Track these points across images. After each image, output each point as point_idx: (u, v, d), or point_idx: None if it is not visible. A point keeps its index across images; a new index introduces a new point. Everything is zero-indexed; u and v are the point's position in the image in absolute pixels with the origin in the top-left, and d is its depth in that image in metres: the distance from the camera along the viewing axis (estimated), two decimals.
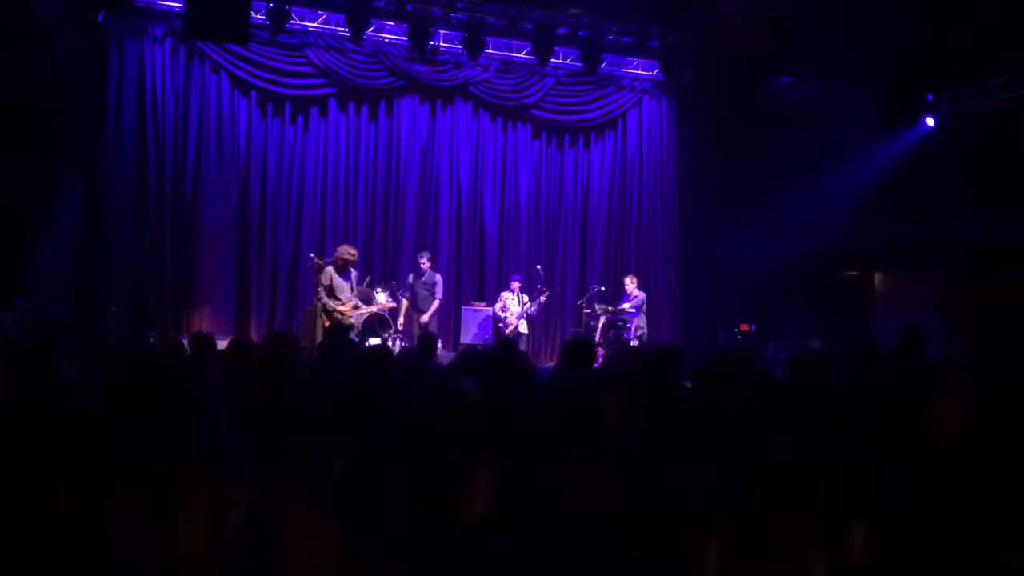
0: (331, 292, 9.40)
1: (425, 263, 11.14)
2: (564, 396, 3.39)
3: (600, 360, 11.27)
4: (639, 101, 13.54)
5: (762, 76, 12.59)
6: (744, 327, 12.30)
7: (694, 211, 13.41)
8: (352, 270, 9.67)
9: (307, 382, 4.13)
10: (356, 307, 9.72)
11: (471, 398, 3.55)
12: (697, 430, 3.59)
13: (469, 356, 5.20)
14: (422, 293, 11.05)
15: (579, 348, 5.31)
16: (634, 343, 10.97)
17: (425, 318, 10.95)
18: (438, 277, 11.25)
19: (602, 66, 12.81)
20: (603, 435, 3.03)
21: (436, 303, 11.14)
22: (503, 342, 6.03)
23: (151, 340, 8.99)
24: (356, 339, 9.87)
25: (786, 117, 12.12)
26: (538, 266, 12.28)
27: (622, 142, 13.55)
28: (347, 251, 9.56)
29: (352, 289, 9.63)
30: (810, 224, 11.91)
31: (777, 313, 12.24)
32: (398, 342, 11.01)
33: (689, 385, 4.65)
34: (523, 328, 11.56)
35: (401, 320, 10.91)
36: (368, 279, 11.17)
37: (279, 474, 2.42)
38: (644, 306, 11.68)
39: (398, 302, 11.03)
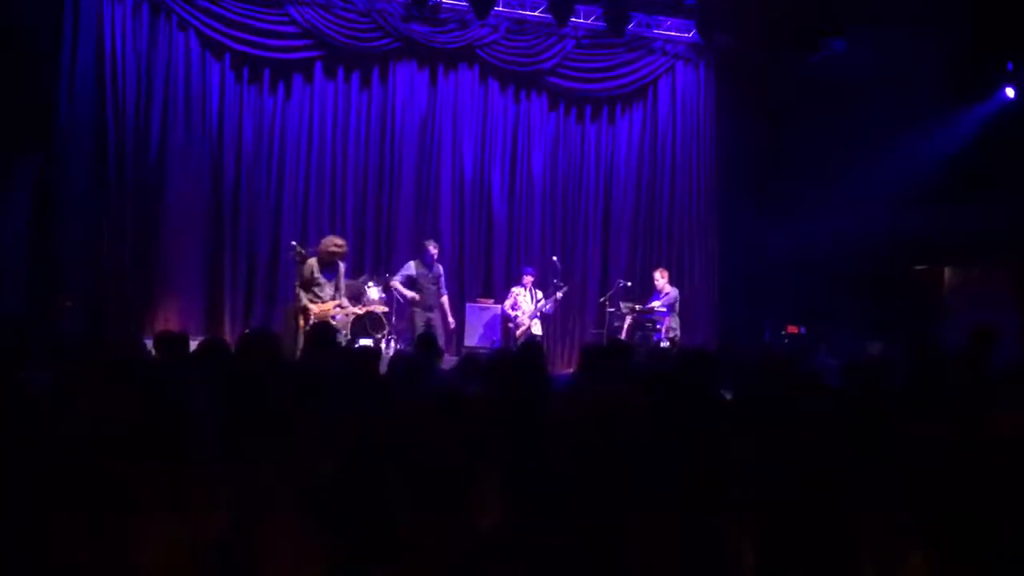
0: (308, 287, 9.42)
1: (433, 250, 11.15)
2: (584, 405, 3.44)
3: None
4: (672, 67, 13.55)
5: (813, 40, 12.56)
6: (792, 329, 12.30)
7: (735, 194, 13.41)
8: (340, 263, 9.70)
9: (289, 382, 4.19)
10: (342, 307, 9.72)
11: (476, 404, 3.61)
12: (735, 445, 3.63)
13: (475, 361, 5.26)
14: (429, 287, 11.06)
15: (608, 354, 5.39)
16: (664, 345, 11.00)
17: (451, 320, 11.20)
18: (442, 269, 11.32)
19: (629, 26, 12.82)
20: (627, 449, 3.08)
21: (446, 299, 11.22)
22: (527, 346, 6.12)
23: (111, 338, 9.06)
24: (344, 341, 9.94)
25: (840, 87, 12.10)
26: (554, 257, 12.32)
27: (652, 114, 13.56)
28: (333, 243, 9.58)
29: (339, 285, 9.65)
30: (869, 210, 11.88)
31: (830, 313, 12.22)
32: (392, 344, 11.09)
33: (728, 395, 4.70)
34: (536, 329, 11.61)
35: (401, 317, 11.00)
36: (363, 277, 11.22)
37: (261, 481, 2.48)
38: (677, 304, 11.71)
39: (396, 304, 11.10)
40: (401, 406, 3.45)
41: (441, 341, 10.83)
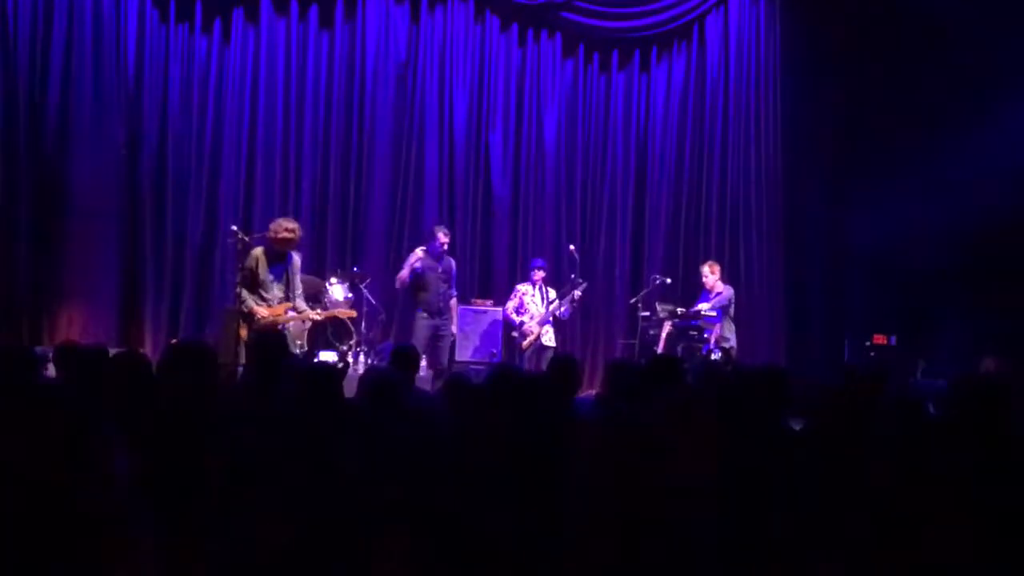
0: (253, 286, 9.40)
1: (444, 239, 11.07)
2: (611, 448, 3.39)
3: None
4: (724, 0, 13.50)
5: None
6: (879, 339, 12.24)
7: (805, 169, 13.36)
8: (293, 255, 9.68)
9: (229, 415, 4.14)
10: (296, 310, 9.68)
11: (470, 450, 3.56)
12: (805, 493, 3.58)
13: (465, 386, 5.21)
14: (439, 286, 11.01)
15: (647, 375, 5.34)
16: (714, 357, 10.95)
17: (453, 330, 11.10)
18: (454, 264, 11.29)
19: None
20: (673, 513, 3.03)
21: (455, 302, 11.26)
22: (557, 364, 6.02)
23: None
24: (300, 354, 9.90)
25: (941, 30, 12.04)
26: (571, 247, 12.27)
27: (698, 61, 13.52)
28: (284, 227, 9.54)
29: (292, 283, 9.63)
30: (978, 187, 11.82)
31: (929, 319, 12.16)
32: (362, 358, 11.04)
33: (798, 426, 4.65)
34: (548, 339, 11.55)
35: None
36: (333, 281, 11.18)
37: (192, 546, 2.44)
38: (731, 307, 11.66)
39: (368, 306, 11.07)
40: (373, 450, 3.40)
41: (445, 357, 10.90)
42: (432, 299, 10.90)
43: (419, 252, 11.02)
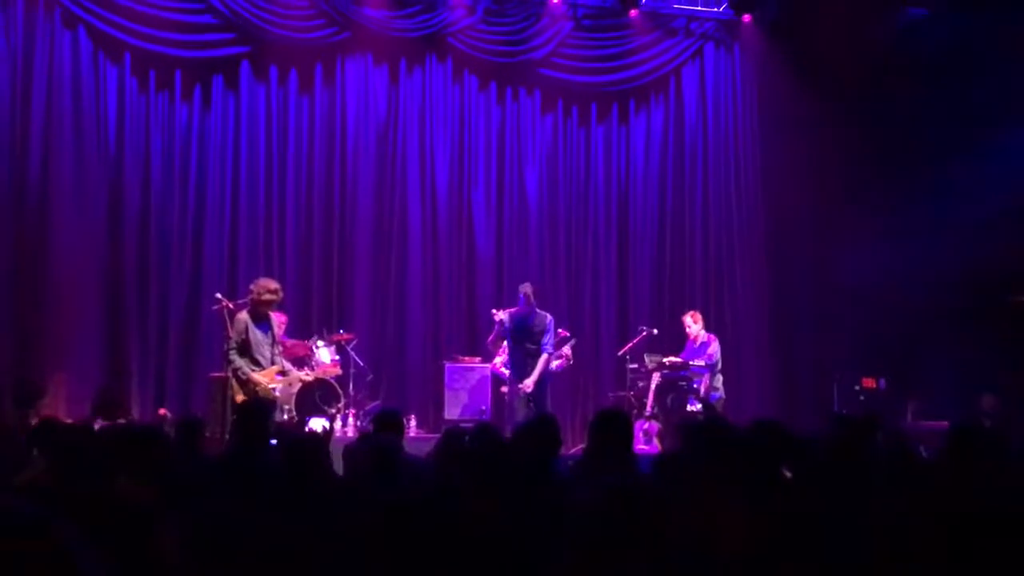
0: (245, 350, 9.36)
1: (528, 291, 10.86)
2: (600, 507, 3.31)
3: (655, 438, 11.23)
4: (699, 51, 13.62)
5: (885, 10, 12.60)
6: (869, 383, 12.20)
7: (788, 211, 13.39)
8: (275, 317, 9.64)
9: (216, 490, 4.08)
10: (283, 373, 9.64)
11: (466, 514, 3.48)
12: (803, 548, 3.52)
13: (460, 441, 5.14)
14: (528, 346, 10.78)
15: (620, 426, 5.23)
16: (691, 408, 10.85)
17: (529, 383, 10.62)
18: (550, 319, 10.97)
19: (642, 1, 12.92)
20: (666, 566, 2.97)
21: (545, 360, 10.79)
22: (540, 422, 5.69)
23: None
24: (290, 419, 9.84)
25: (922, 67, 12.11)
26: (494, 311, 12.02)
27: (676, 112, 13.60)
28: (265, 288, 9.56)
29: (275, 343, 9.59)
30: (967, 224, 11.84)
31: (921, 359, 12.12)
32: (351, 420, 10.96)
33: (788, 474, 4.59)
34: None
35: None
36: (319, 344, 11.12)
37: None
38: (719, 357, 11.58)
39: (355, 367, 10.97)
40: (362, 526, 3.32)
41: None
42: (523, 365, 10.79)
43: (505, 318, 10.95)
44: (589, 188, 13.42)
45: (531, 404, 10.45)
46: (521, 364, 10.72)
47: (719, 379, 11.56)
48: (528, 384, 10.55)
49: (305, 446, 4.30)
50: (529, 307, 10.80)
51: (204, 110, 12.23)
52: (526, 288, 10.90)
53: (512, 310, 10.93)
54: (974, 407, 11.07)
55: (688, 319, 11.83)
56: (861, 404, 11.86)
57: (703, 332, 11.74)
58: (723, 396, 11.47)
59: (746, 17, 13.41)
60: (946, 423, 9.17)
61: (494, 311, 11.10)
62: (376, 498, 4.13)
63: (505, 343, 11.25)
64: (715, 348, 11.59)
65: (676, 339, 12.17)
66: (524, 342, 10.75)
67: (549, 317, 10.88)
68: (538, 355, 10.69)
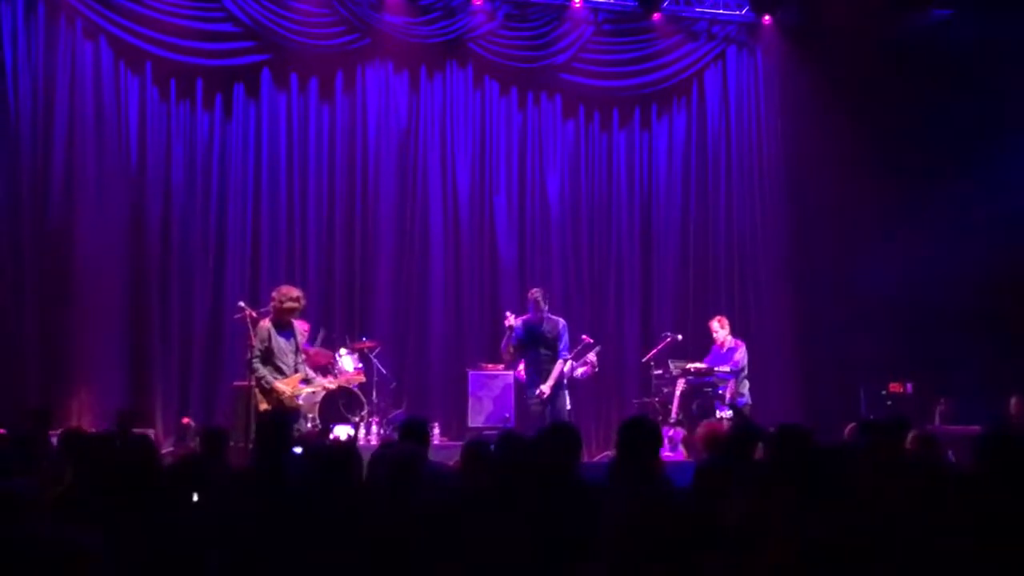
0: (268, 358, 9.34)
1: (537, 296, 10.67)
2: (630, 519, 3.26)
3: (680, 445, 11.15)
4: (722, 54, 13.58)
5: (908, 11, 12.51)
6: (896, 387, 12.10)
7: (813, 215, 13.31)
8: (297, 324, 9.64)
9: (239, 504, 4.05)
10: (307, 381, 9.63)
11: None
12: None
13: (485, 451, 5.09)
14: (542, 352, 10.68)
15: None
16: (721, 414, 10.75)
17: (545, 388, 10.48)
18: (562, 323, 10.87)
19: (664, 4, 12.85)
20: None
21: (562, 365, 10.64)
22: (555, 430, 5.47)
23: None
24: (314, 428, 9.83)
25: (947, 68, 12.01)
26: (583, 336, 11.90)
27: (699, 116, 13.56)
28: (287, 295, 9.53)
29: (298, 351, 9.57)
30: (993, 225, 11.74)
31: (948, 362, 12.01)
32: (374, 428, 10.93)
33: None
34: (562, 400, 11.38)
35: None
36: (321, 334, 11.12)
37: None
38: (746, 363, 11.49)
39: (379, 375, 10.92)
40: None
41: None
42: (538, 365, 10.68)
43: (518, 322, 10.78)
44: (612, 193, 13.38)
45: (547, 410, 10.37)
46: (536, 371, 10.65)
47: (745, 385, 11.49)
48: (544, 390, 10.48)
49: (336, 456, 4.25)
50: (539, 312, 10.68)
51: (225, 118, 12.24)
52: (535, 293, 10.78)
53: (524, 317, 10.85)
54: (1002, 410, 10.95)
55: (715, 324, 11.76)
56: (888, 408, 11.76)
57: (730, 337, 11.67)
58: (749, 402, 11.40)
59: (766, 19, 13.34)
60: (975, 428, 9.09)
61: (507, 315, 11.00)
62: (393, 508, 4.11)
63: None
64: (742, 354, 11.53)
65: (700, 344, 12.10)
66: (538, 348, 10.65)
67: (561, 322, 10.80)
68: (554, 361, 10.61)
